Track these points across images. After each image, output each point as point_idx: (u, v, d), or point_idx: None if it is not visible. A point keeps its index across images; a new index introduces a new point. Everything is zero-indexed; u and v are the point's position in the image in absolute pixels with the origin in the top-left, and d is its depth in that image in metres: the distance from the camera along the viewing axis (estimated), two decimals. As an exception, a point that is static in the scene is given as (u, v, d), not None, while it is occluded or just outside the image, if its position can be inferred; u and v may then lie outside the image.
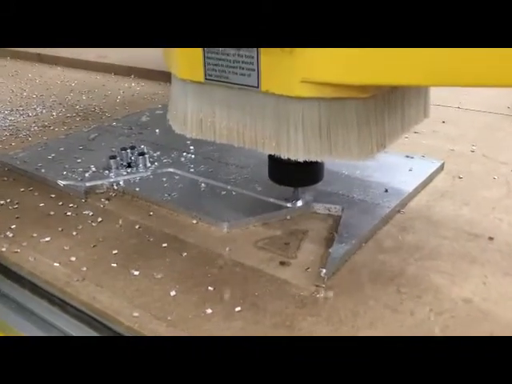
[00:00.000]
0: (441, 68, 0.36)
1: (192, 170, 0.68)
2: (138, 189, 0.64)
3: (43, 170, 0.69)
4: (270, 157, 0.54)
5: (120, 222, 0.58)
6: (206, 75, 0.46)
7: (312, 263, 0.50)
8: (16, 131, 0.88)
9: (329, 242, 0.53)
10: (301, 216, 0.58)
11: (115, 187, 0.65)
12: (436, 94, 0.95)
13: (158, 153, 0.73)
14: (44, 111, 0.99)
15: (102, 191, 0.65)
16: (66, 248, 0.53)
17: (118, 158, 0.69)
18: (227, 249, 0.52)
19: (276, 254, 0.51)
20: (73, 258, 0.51)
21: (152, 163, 0.70)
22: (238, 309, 0.44)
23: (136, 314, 0.43)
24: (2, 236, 0.55)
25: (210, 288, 0.46)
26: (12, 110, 0.99)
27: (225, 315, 0.43)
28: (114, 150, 0.75)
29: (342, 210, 0.58)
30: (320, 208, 0.59)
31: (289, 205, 0.59)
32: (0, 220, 0.58)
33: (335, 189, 0.62)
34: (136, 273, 0.48)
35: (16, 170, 0.71)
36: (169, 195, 0.62)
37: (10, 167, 0.72)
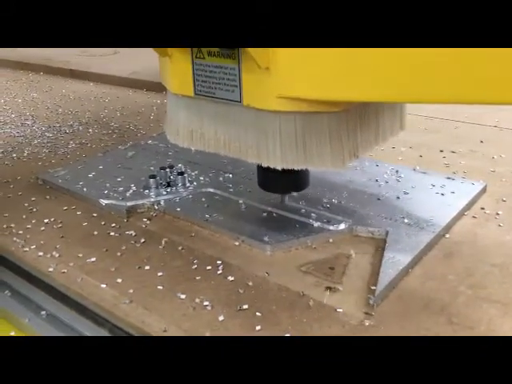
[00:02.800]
0: (408, 86, 0.38)
1: (231, 189, 0.68)
2: (178, 209, 0.64)
3: (85, 189, 0.70)
4: (258, 166, 0.56)
5: (163, 243, 0.58)
6: (195, 90, 0.51)
7: (359, 289, 0.49)
8: (54, 148, 0.89)
9: (374, 267, 0.52)
10: (343, 239, 0.58)
11: (156, 207, 0.65)
12: (471, 112, 0.94)
13: (196, 172, 0.74)
14: (80, 128, 1.00)
15: (143, 211, 0.65)
16: (111, 269, 0.53)
17: (158, 178, 0.70)
18: (272, 272, 0.52)
19: (322, 279, 0.51)
20: (119, 280, 0.51)
21: (191, 182, 0.71)
22: (287, 335, 0.43)
23: (185, 340, 0.43)
24: (49, 256, 0.56)
25: (257, 314, 0.46)
26: (49, 127, 1.01)
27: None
28: (152, 168, 0.75)
29: (386, 233, 0.57)
30: (363, 231, 0.59)
31: (331, 227, 0.59)
32: (45, 239, 0.59)
33: (378, 211, 0.61)
34: (183, 296, 0.48)
35: (57, 188, 0.72)
36: (210, 216, 0.62)
37: (52, 185, 0.73)
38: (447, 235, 0.58)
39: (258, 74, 0.44)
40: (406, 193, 0.66)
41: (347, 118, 0.48)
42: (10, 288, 0.56)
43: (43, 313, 0.52)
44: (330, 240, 0.58)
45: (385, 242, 0.56)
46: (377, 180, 0.70)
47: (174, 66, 0.51)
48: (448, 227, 0.59)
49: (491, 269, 0.52)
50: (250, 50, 0.42)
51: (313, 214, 0.61)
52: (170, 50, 0.50)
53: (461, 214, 0.62)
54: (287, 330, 0.44)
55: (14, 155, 0.86)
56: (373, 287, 0.48)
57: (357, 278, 0.51)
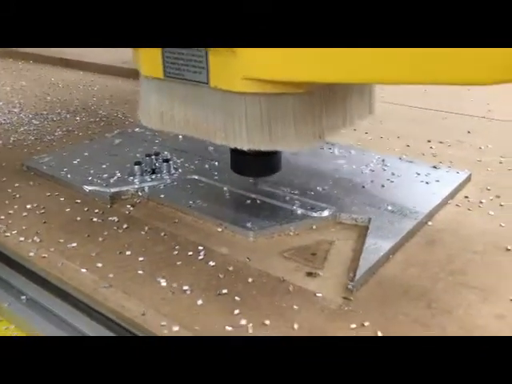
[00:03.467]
0: (365, 66, 0.39)
1: (216, 177, 0.68)
2: (162, 195, 0.64)
3: (69, 175, 0.69)
4: (231, 150, 0.57)
5: (146, 228, 0.58)
6: (165, 72, 0.51)
7: (339, 275, 0.49)
8: (41, 135, 0.88)
9: (356, 253, 0.52)
10: (327, 226, 0.58)
11: (140, 194, 0.65)
12: (460, 105, 0.94)
13: (182, 159, 0.73)
14: (68, 116, 1.00)
15: (127, 197, 0.65)
16: (92, 254, 0.53)
17: (143, 165, 0.70)
18: (254, 258, 0.52)
19: (302, 265, 0.51)
20: (99, 265, 0.51)
21: (176, 170, 0.70)
22: (267, 322, 0.43)
23: (163, 323, 0.43)
24: (30, 241, 0.55)
25: (236, 298, 0.46)
26: (36, 114, 1.00)
27: (253, 327, 0.43)
28: (138, 155, 0.75)
29: (369, 220, 0.57)
30: (346, 218, 0.59)
31: (315, 214, 0.59)
32: (27, 224, 0.59)
33: (362, 199, 0.61)
34: (162, 281, 0.48)
35: (41, 174, 0.72)
36: (193, 202, 0.62)
37: (36, 171, 0.72)
38: (430, 223, 0.58)
39: (224, 55, 0.45)
40: (391, 181, 0.66)
41: (312, 101, 0.49)
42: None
43: (23, 297, 0.51)
44: (314, 227, 0.58)
45: (367, 228, 0.56)
46: (362, 168, 0.70)
47: (144, 49, 0.52)
48: (431, 215, 0.59)
49: (473, 256, 0.52)
50: None
51: (297, 201, 0.61)
52: None
53: (444, 202, 0.62)
54: (266, 314, 0.44)
55: (0, 142, 0.86)
56: (351, 273, 0.48)
57: (338, 264, 0.51)
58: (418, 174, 0.68)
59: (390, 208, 0.59)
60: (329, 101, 0.51)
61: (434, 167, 0.69)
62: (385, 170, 0.70)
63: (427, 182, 0.65)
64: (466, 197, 0.63)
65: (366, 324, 0.43)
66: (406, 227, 0.56)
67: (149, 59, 0.52)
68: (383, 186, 0.65)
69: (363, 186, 0.65)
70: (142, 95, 0.57)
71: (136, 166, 0.69)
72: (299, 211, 0.59)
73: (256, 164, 0.58)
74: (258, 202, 0.62)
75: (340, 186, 0.65)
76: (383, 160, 0.73)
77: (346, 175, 0.68)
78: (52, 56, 1.47)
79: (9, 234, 0.57)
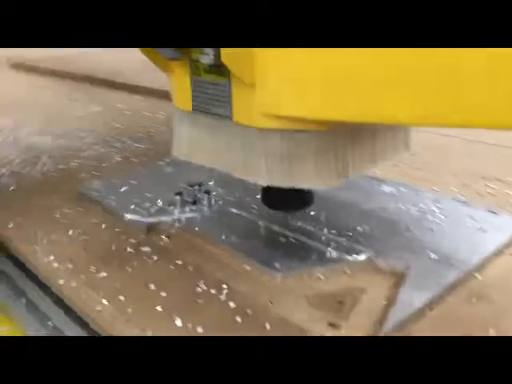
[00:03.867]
0: (389, 105, 0.37)
1: (255, 211, 0.66)
2: (197, 228, 0.63)
3: (113, 203, 0.71)
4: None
5: (175, 262, 0.57)
6: (193, 105, 0.52)
7: (364, 328, 0.45)
8: (100, 161, 0.92)
9: (388, 305, 0.48)
10: (361, 271, 0.54)
11: (177, 225, 0.65)
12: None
13: (225, 190, 0.73)
14: (129, 142, 1.04)
15: (164, 228, 0.65)
16: (117, 286, 0.53)
17: (184, 195, 0.70)
18: (276, 302, 0.49)
19: (326, 313, 0.48)
20: (121, 297, 0.51)
21: (216, 202, 0.70)
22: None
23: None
24: (64, 268, 0.57)
25: (250, 345, 0.44)
26: (101, 141, 1.05)
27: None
28: (182, 185, 0.76)
29: (408, 268, 0.53)
30: (383, 264, 0.54)
31: (349, 258, 0.55)
32: (65, 251, 0.60)
33: (404, 243, 0.57)
34: (178, 320, 0.47)
35: (91, 200, 0.74)
36: (226, 237, 0.61)
37: (86, 198, 0.75)
38: (478, 276, 0.52)
39: (245, 90, 0.45)
40: (440, 225, 0.61)
41: (335, 138, 0.47)
42: (26, 296, 0.58)
43: (49, 323, 0.53)
44: (347, 271, 0.54)
45: (405, 277, 0.51)
46: (411, 208, 0.65)
47: (175, 82, 0.53)
48: (481, 267, 0.53)
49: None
50: (231, 66, 0.42)
51: (332, 242, 0.57)
52: (171, 65, 0.51)
53: (499, 253, 0.56)
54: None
55: (61, 166, 0.90)
56: (378, 327, 0.44)
57: (364, 316, 0.47)
58: (473, 219, 0.62)
59: (433, 255, 0.54)
60: (355, 137, 0.49)
61: (491, 211, 0.63)
62: (435, 211, 0.65)
63: (481, 229, 0.60)
64: (526, 248, 0.57)
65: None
66: (449, 279, 0.50)
67: (179, 91, 0.53)
68: (431, 229, 0.60)
69: (408, 229, 0.60)
70: (174, 125, 0.58)
71: (176, 197, 0.69)
72: (333, 253, 0.56)
73: (286, 198, 0.56)
74: (293, 240, 0.59)
75: (382, 227, 0.61)
76: (435, 200, 0.67)
77: (392, 215, 0.64)
78: (124, 83, 1.55)
79: (45, 260, 0.59)
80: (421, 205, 0.66)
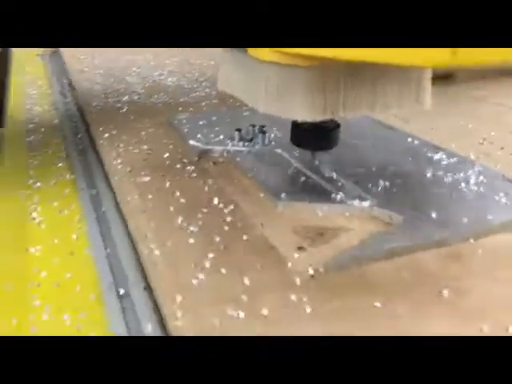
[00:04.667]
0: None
1: (296, 154, 0.72)
2: (238, 159, 0.71)
3: (186, 130, 0.82)
4: (292, 123, 0.63)
5: (206, 180, 0.66)
6: None
7: (324, 256, 0.49)
8: (198, 100, 1.05)
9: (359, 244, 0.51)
10: (360, 217, 0.57)
11: (225, 155, 0.74)
12: None
13: (282, 134, 0.79)
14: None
15: (215, 155, 0.75)
16: (152, 188, 0.64)
17: (243, 132, 0.78)
18: (267, 225, 0.56)
19: (302, 240, 0.52)
20: (149, 196, 0.62)
21: (270, 142, 0.76)
22: (223, 270, 0.48)
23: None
24: (124, 170, 0.70)
25: (221, 247, 0.51)
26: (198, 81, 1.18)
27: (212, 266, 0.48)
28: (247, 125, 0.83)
29: (403, 221, 0.54)
30: (382, 214, 0.56)
31: (353, 202, 0.58)
32: (132, 158, 0.74)
33: (413, 202, 0.58)
34: (179, 221, 0.56)
35: (174, 127, 0.87)
36: (257, 170, 0.68)
37: (172, 124, 0.88)
38: (472, 240, 0.52)
39: None
40: (464, 193, 0.60)
41: (325, 76, 0.51)
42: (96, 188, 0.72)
43: (103, 209, 0.66)
44: (347, 214, 0.57)
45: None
46: (448, 175, 0.65)
47: None
48: (478, 234, 0.52)
49: (490, 287, 0.45)
50: None
51: (348, 190, 0.61)
52: None
53: (506, 227, 0.54)
54: (236, 266, 0.48)
55: (170, 101, 1.05)
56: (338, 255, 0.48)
57: (332, 247, 0.51)
58: (508, 195, 0.59)
59: (434, 216, 0.55)
60: (349, 80, 0.52)
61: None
62: (470, 182, 0.63)
63: (507, 205, 0.57)
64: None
65: (305, 299, 0.43)
66: (435, 236, 0.51)
67: None
68: (451, 194, 0.60)
69: (426, 190, 0.61)
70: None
71: (236, 132, 0.77)
72: (338, 197, 0.59)
73: (312, 137, 0.62)
74: (310, 180, 0.64)
75: (402, 185, 0.62)
76: (479, 173, 0.65)
77: (424, 179, 0.64)
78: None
79: (114, 162, 0.72)
80: (461, 174, 0.65)
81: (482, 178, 0.64)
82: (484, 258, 0.49)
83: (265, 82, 0.53)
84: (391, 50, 0.38)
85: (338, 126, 0.62)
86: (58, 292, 0.47)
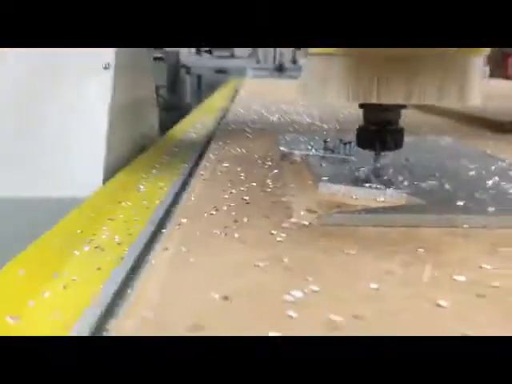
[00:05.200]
0: None
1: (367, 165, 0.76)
2: (311, 160, 0.79)
3: (283, 142, 0.94)
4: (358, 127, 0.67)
5: (280, 172, 0.76)
6: None
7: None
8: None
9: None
10: (387, 202, 0.60)
11: (304, 157, 0.83)
12: None
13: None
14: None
15: (296, 158, 0.84)
16: (231, 177, 0.75)
17: (329, 143, 0.86)
18: (297, 198, 0.63)
19: (319, 209, 0.58)
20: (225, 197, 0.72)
21: (350, 152, 0.83)
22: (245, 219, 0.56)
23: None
24: (211, 166, 0.84)
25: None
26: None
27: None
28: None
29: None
30: (409, 200, 0.59)
31: (387, 189, 0.61)
32: (228, 157, 0.88)
33: (445, 193, 0.59)
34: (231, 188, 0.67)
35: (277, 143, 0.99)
36: (322, 165, 0.75)
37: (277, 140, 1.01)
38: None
39: None
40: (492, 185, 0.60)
41: (360, 65, 0.58)
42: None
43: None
44: (378, 199, 0.61)
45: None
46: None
47: None
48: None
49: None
50: None
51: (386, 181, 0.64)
52: None
53: None
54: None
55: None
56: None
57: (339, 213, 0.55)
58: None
59: (460, 203, 0.55)
60: (385, 72, 0.57)
61: None
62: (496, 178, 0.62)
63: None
64: None
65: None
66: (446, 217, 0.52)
67: None
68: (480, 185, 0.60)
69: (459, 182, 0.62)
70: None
71: (322, 142, 0.86)
72: (375, 185, 0.63)
73: (376, 139, 0.65)
74: (364, 176, 0.68)
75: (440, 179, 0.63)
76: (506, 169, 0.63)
77: (466, 177, 0.64)
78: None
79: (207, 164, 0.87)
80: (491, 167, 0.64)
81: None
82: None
83: (312, 71, 0.62)
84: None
85: (401, 129, 0.66)
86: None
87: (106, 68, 0.86)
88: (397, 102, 0.59)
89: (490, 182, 0.64)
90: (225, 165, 0.81)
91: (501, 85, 2.64)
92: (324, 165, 0.76)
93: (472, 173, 0.69)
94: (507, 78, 3.72)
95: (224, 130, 1.22)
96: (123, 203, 0.63)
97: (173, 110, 3.22)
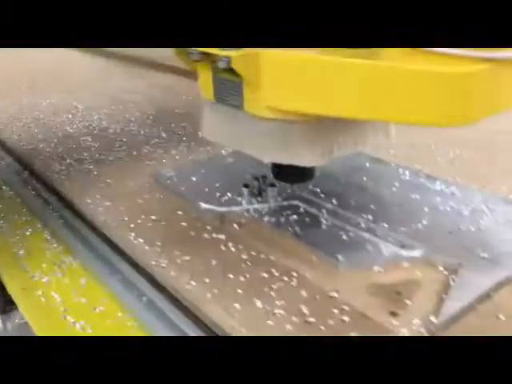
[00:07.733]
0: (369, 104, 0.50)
1: (318, 203, 0.73)
2: (265, 219, 0.71)
3: (187, 192, 0.79)
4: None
5: (247, 249, 0.65)
6: (215, 97, 0.66)
7: (421, 319, 0.52)
8: (168, 149, 1.01)
9: (441, 298, 0.55)
10: (415, 265, 0.60)
11: (246, 215, 0.73)
12: None
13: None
14: (192, 130, 1.11)
15: (234, 217, 0.73)
16: (201, 269, 0.61)
17: (251, 187, 0.77)
18: (341, 290, 0.57)
19: (386, 303, 0.54)
20: (207, 280, 0.59)
21: (280, 194, 0.77)
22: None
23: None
24: (152, 250, 0.66)
25: (321, 327, 0.51)
26: (167, 128, 1.14)
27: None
28: (248, 177, 0.82)
29: (459, 265, 0.59)
30: (436, 260, 0.61)
31: (404, 253, 0.62)
32: (151, 234, 0.69)
33: (455, 241, 0.63)
34: (259, 304, 0.55)
35: (166, 187, 0.83)
36: (291, 228, 0.68)
37: (162, 185, 0.84)
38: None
39: (253, 88, 0.59)
40: (491, 225, 0.67)
41: (322, 126, 0.61)
42: (122, 275, 0.67)
43: (144, 298, 0.62)
44: (403, 265, 0.61)
45: (456, 273, 0.58)
46: (462, 208, 0.71)
47: (201, 78, 0.67)
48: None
49: None
50: (240, 70, 0.57)
51: (389, 238, 0.64)
52: (198, 65, 0.65)
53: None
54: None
55: (135, 152, 0.99)
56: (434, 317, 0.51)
57: (421, 307, 0.54)
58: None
59: (483, 254, 0.60)
60: (338, 127, 0.63)
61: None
62: (485, 212, 0.70)
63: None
64: None
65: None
66: (498, 277, 0.56)
67: (205, 85, 0.66)
68: (480, 228, 0.66)
69: (459, 228, 0.66)
70: (202, 112, 0.71)
71: (244, 188, 0.76)
72: (389, 248, 0.62)
73: (291, 171, 0.69)
74: (352, 234, 0.66)
75: (434, 226, 0.67)
76: (485, 200, 0.72)
77: (443, 214, 0.70)
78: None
79: (137, 242, 0.67)
80: (472, 205, 0.72)
81: (490, 205, 0.71)
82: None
83: (269, 136, 0.62)
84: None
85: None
86: None
87: None
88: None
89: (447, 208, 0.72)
90: (184, 258, 0.64)
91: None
92: (289, 227, 0.69)
93: (420, 201, 0.75)
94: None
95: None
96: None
97: None
